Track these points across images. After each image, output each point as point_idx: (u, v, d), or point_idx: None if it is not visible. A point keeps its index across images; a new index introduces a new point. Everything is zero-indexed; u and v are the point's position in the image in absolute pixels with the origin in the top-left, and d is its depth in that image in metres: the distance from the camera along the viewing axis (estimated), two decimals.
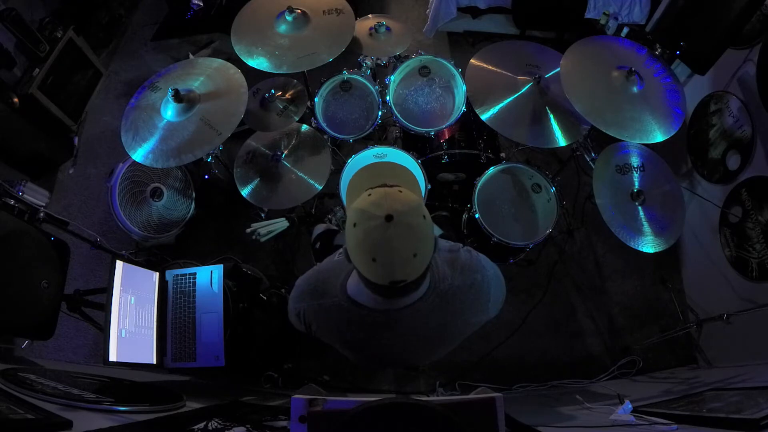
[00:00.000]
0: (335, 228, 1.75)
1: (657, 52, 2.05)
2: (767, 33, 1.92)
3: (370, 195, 0.86)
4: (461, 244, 1.12)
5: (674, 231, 1.88)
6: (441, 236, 1.19)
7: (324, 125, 2.11)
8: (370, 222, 0.82)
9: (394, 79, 2.14)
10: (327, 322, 1.06)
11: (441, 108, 2.13)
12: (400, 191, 0.87)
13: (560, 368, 2.30)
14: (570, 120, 1.92)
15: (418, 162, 1.96)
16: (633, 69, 1.78)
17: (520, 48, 2.13)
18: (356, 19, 2.03)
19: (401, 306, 0.96)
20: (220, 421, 1.33)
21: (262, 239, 2.01)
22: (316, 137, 2.12)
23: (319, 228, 1.74)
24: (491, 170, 2.04)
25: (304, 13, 1.95)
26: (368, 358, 1.16)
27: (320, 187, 1.99)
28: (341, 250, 1.05)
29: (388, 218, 0.80)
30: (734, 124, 2.12)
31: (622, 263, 2.54)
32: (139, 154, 1.78)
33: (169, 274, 1.93)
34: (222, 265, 1.93)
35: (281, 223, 2.05)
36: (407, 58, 2.18)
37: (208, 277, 1.90)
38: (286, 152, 2.08)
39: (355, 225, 0.84)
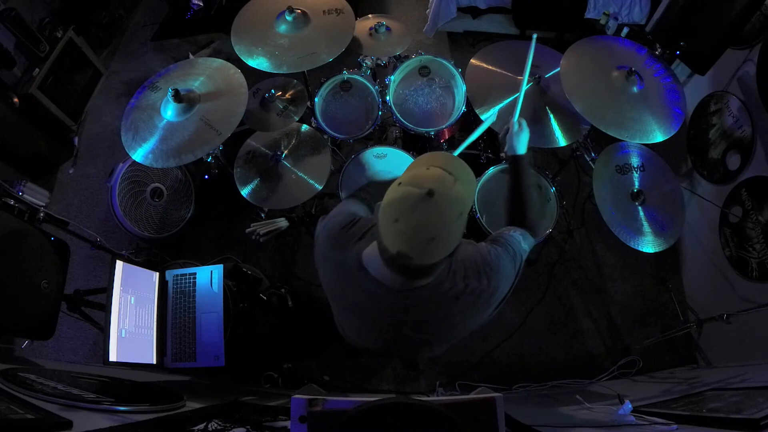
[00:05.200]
0: None
1: (657, 52, 2.05)
2: (767, 33, 1.92)
3: (428, 169, 0.87)
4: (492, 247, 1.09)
5: (674, 231, 1.88)
6: None
7: (324, 125, 2.11)
8: (412, 188, 0.84)
9: (394, 79, 2.14)
10: (333, 273, 1.07)
11: (441, 108, 2.12)
12: (455, 181, 0.87)
13: (560, 368, 2.30)
14: (570, 120, 1.92)
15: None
16: (633, 69, 1.78)
17: (520, 48, 2.12)
18: (356, 19, 2.03)
19: (406, 288, 0.96)
20: (220, 422, 1.33)
21: (262, 239, 2.01)
22: (316, 137, 2.12)
23: None
24: (491, 170, 2.04)
25: (304, 13, 1.95)
26: (359, 330, 1.16)
27: (320, 187, 1.99)
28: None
29: (431, 193, 0.82)
30: (734, 124, 2.12)
31: (622, 263, 2.54)
32: (139, 154, 1.78)
33: (169, 274, 1.93)
34: (222, 265, 1.93)
35: (281, 223, 2.05)
36: (407, 58, 2.18)
37: (208, 277, 1.90)
38: (286, 152, 2.08)
39: (400, 184, 0.86)
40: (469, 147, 2.14)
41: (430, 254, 0.85)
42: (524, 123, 1.34)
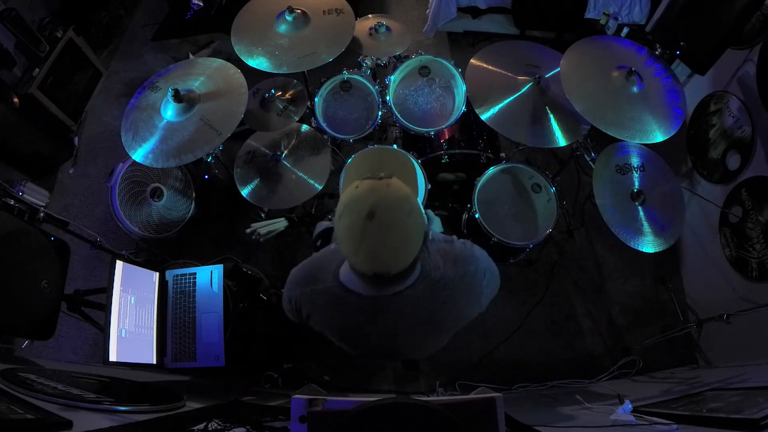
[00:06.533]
0: None
1: (657, 52, 2.05)
2: (767, 33, 1.92)
3: (357, 188, 0.88)
4: (455, 236, 1.13)
5: (674, 231, 1.88)
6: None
7: (324, 125, 2.11)
8: (352, 216, 0.85)
9: (394, 79, 2.14)
10: (318, 308, 1.07)
11: (441, 108, 2.13)
12: (389, 185, 0.88)
13: (560, 368, 2.30)
14: (570, 120, 1.92)
15: (418, 162, 1.96)
16: (633, 69, 1.78)
17: (520, 48, 2.13)
18: (356, 19, 2.03)
19: (390, 293, 0.97)
20: (220, 422, 1.33)
21: (262, 239, 2.01)
22: (316, 137, 2.12)
23: (321, 225, 1.74)
24: (491, 170, 2.04)
25: (304, 13, 1.95)
26: (359, 347, 1.16)
27: (320, 187, 1.99)
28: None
29: (370, 215, 0.83)
30: (734, 124, 2.12)
31: (622, 263, 2.54)
32: (139, 154, 1.78)
33: (169, 274, 1.93)
34: (222, 265, 1.93)
35: (281, 223, 2.05)
36: (407, 58, 2.18)
37: (208, 277, 1.90)
38: (286, 152, 2.08)
39: (340, 217, 0.87)
40: (469, 147, 2.17)
41: (403, 260, 0.87)
42: None
